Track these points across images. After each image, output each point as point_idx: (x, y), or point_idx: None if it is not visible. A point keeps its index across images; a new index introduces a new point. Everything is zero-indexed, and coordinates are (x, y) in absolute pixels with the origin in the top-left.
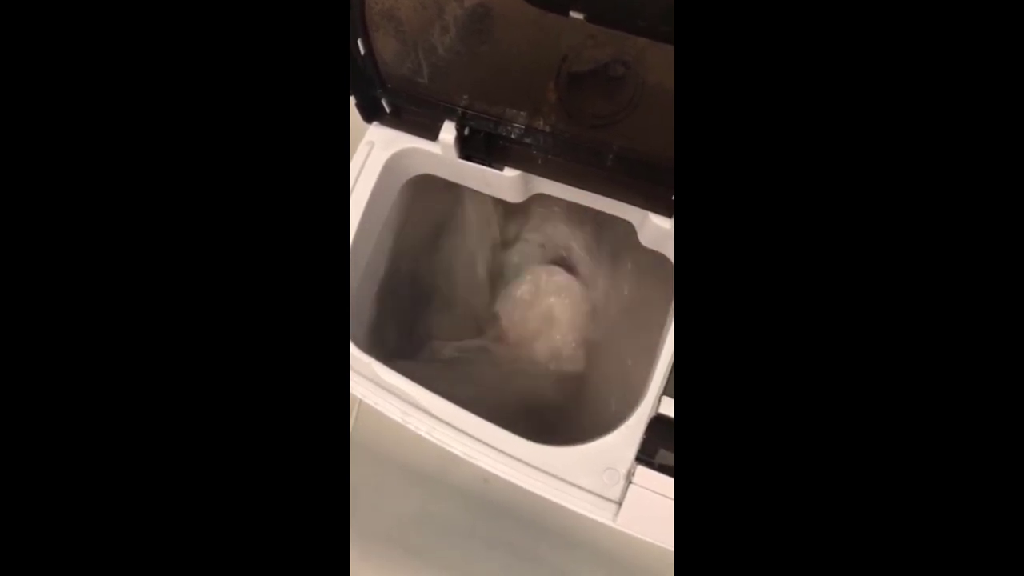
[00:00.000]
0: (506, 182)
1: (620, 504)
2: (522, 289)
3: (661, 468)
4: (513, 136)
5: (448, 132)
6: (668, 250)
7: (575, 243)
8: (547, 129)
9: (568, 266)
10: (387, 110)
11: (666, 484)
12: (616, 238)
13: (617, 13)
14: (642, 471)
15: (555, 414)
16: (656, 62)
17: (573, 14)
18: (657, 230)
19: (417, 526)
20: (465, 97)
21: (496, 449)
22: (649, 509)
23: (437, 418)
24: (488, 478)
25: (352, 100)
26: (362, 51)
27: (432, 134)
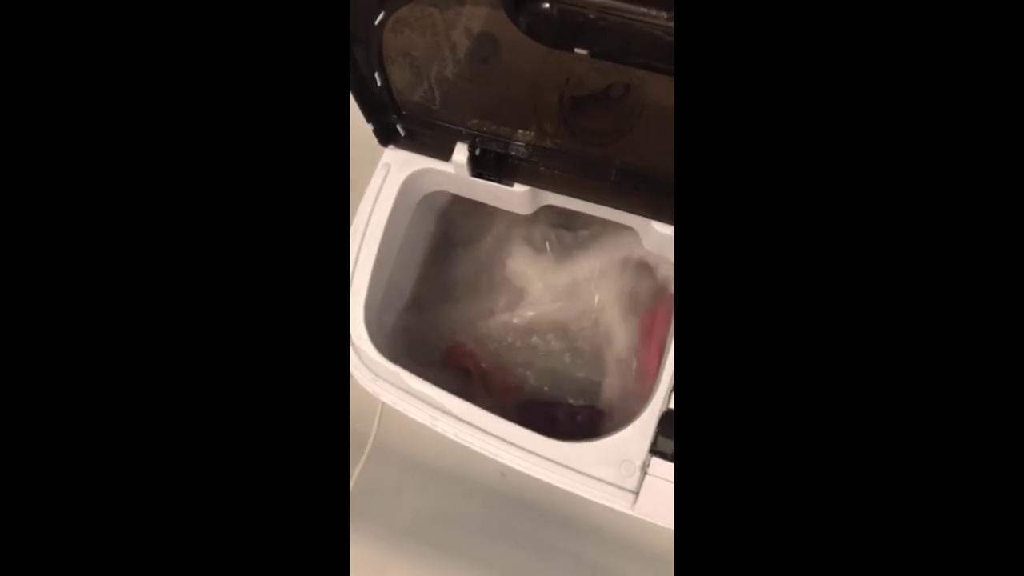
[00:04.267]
0: (516, 197)
1: (637, 493)
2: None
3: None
4: (522, 155)
5: (460, 153)
6: (671, 253)
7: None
8: (554, 147)
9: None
10: (402, 134)
11: None
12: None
13: (618, 51)
14: (656, 462)
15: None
16: (655, 83)
17: (577, 50)
18: (660, 236)
19: (439, 521)
20: (475, 120)
21: (520, 448)
22: (664, 496)
23: (465, 421)
24: (504, 472)
25: (370, 126)
26: (379, 83)
27: (445, 155)
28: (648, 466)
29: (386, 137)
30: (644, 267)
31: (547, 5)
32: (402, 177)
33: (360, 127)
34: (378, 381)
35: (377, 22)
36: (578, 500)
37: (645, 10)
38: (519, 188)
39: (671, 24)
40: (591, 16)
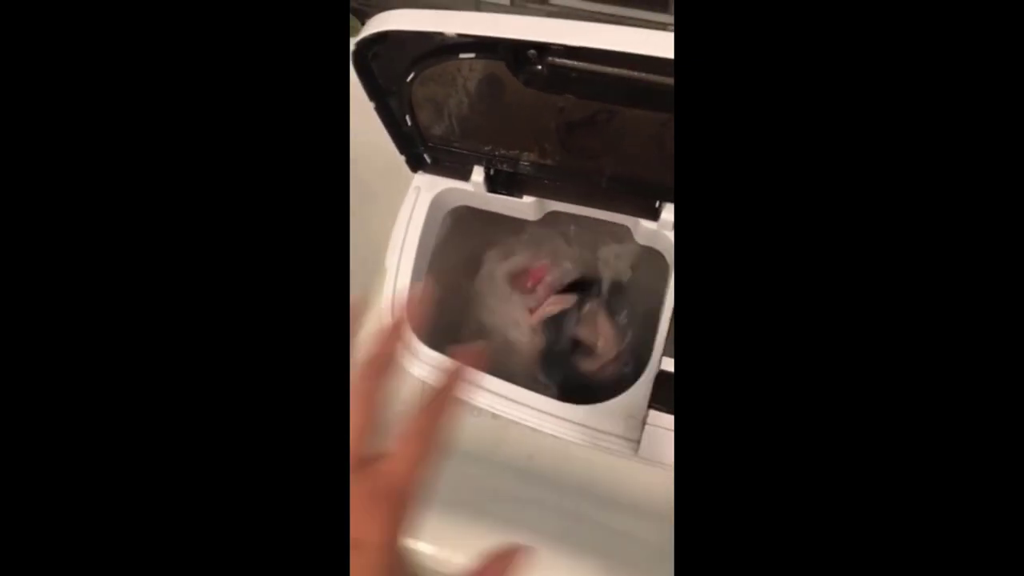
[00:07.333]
0: (526, 207)
1: (639, 442)
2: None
3: (668, 411)
4: (528, 172)
5: (478, 174)
6: (658, 245)
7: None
8: (554, 164)
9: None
10: (428, 161)
11: (672, 421)
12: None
13: (597, 95)
14: (654, 414)
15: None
16: (634, 110)
17: (566, 95)
18: (647, 230)
19: (481, 495)
20: (488, 146)
21: (544, 412)
22: (662, 441)
23: (499, 395)
24: (532, 454)
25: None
26: (409, 124)
27: (465, 176)
28: (648, 418)
29: (415, 164)
30: None
31: (539, 67)
32: (430, 197)
33: (396, 157)
34: (424, 367)
35: (409, 79)
36: (596, 478)
37: (619, 69)
38: (528, 199)
39: (644, 76)
40: (573, 75)
